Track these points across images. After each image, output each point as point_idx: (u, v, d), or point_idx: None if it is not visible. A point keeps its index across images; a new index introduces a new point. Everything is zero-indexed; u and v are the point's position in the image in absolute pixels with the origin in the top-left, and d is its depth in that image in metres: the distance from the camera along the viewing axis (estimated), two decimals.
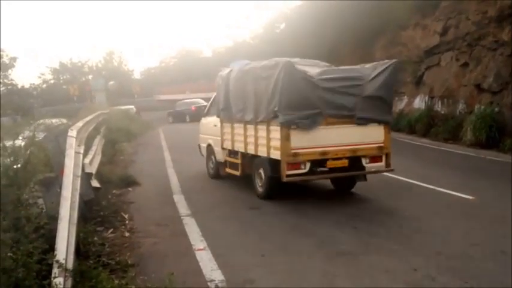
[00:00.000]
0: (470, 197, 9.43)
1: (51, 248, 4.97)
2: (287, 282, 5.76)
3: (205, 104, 32.94)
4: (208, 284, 5.75)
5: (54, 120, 19.23)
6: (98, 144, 13.44)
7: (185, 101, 37.98)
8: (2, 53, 50.10)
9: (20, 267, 4.39)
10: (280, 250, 6.86)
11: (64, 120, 17.55)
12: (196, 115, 33.19)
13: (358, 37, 25.02)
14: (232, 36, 62.30)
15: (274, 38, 36.36)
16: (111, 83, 54.58)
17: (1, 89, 51.46)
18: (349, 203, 9.34)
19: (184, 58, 59.49)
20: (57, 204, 5.73)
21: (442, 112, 19.55)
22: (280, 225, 8.16)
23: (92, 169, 9.64)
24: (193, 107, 34.41)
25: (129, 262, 6.51)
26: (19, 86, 53.10)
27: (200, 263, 6.44)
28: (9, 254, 4.48)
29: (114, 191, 10.91)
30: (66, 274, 4.59)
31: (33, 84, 57.42)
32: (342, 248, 6.79)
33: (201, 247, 7.09)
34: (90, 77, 55.90)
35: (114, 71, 58.07)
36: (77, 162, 7.35)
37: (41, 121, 18.17)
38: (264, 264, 6.35)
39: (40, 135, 9.15)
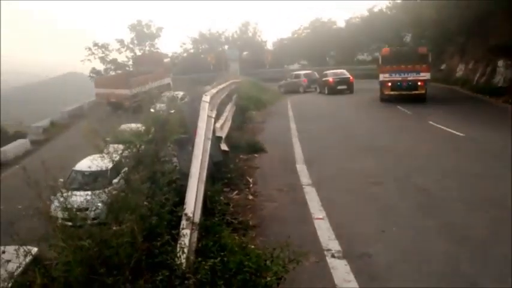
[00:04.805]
0: None
1: (181, 202, 5.42)
2: (406, 260, 5.59)
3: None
4: (325, 252, 5.81)
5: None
6: (229, 110, 14.09)
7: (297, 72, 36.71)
8: (150, 23, 54.54)
9: (154, 215, 4.85)
10: (401, 228, 6.63)
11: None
12: (307, 87, 32.98)
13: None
14: (368, 6, 59.76)
15: (413, 7, 34.04)
16: (245, 53, 56.36)
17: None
18: (484, 187, 8.54)
19: (317, 29, 58.74)
20: (189, 162, 6.19)
21: None
22: (404, 202, 7.85)
23: (222, 133, 10.18)
24: (304, 79, 33.80)
25: (251, 223, 6.85)
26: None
27: (318, 232, 6.52)
28: (145, 203, 4.97)
29: (241, 156, 11.42)
30: (193, 227, 4.98)
31: (175, 52, 61.39)
32: (469, 233, 6.34)
33: (320, 216, 7.15)
34: (226, 47, 58.13)
35: (249, 41, 59.48)
36: (208, 126, 7.83)
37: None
38: (383, 239, 6.21)
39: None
